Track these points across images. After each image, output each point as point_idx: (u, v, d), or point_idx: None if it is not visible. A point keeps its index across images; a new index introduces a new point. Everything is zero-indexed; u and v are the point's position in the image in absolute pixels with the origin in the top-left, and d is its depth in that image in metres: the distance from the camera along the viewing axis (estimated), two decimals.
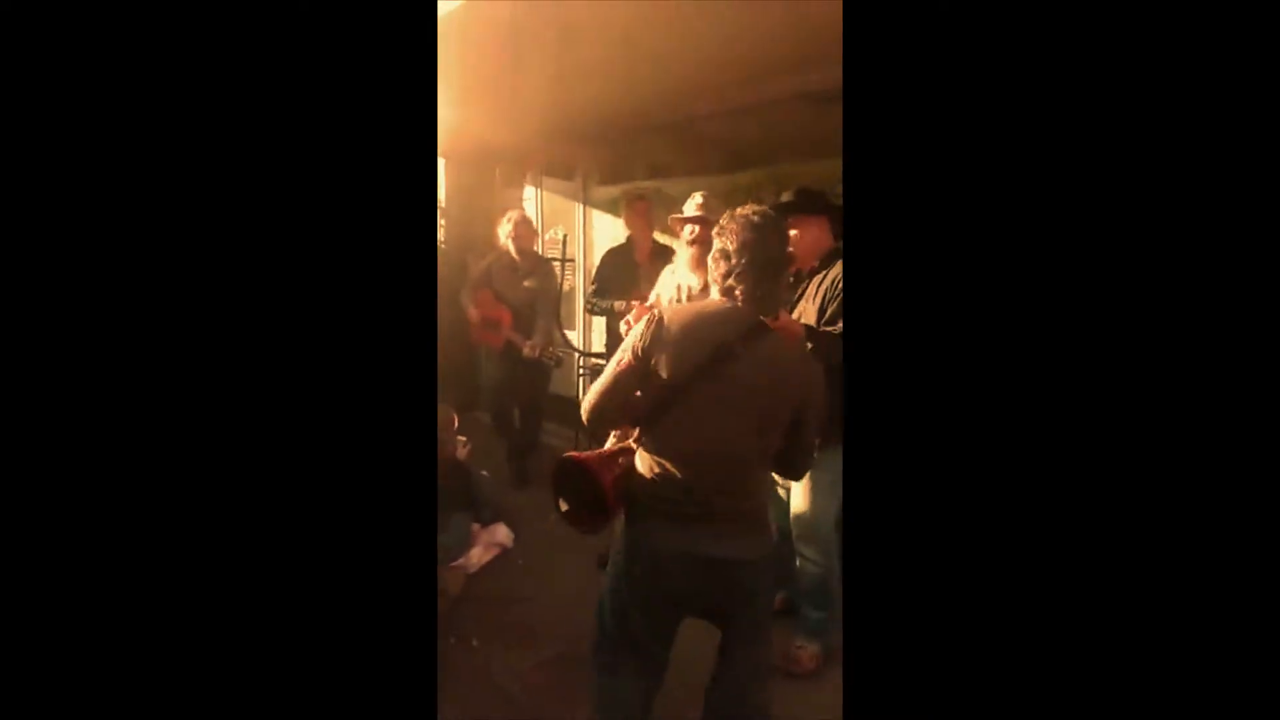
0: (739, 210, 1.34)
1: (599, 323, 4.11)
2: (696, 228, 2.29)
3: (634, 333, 1.32)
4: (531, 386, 3.52)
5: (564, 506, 1.42)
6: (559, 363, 3.50)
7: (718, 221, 2.34)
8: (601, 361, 3.74)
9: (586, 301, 3.26)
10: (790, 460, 1.37)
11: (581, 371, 3.92)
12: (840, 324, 1.76)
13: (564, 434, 4.01)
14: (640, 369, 1.28)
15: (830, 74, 2.45)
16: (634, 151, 3.63)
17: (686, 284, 2.38)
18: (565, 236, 4.23)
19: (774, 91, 2.64)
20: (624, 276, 3.05)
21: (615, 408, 1.34)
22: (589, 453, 1.39)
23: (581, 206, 4.33)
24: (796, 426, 1.31)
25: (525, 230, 3.41)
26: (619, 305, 2.97)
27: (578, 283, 4.28)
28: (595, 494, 1.33)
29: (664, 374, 1.26)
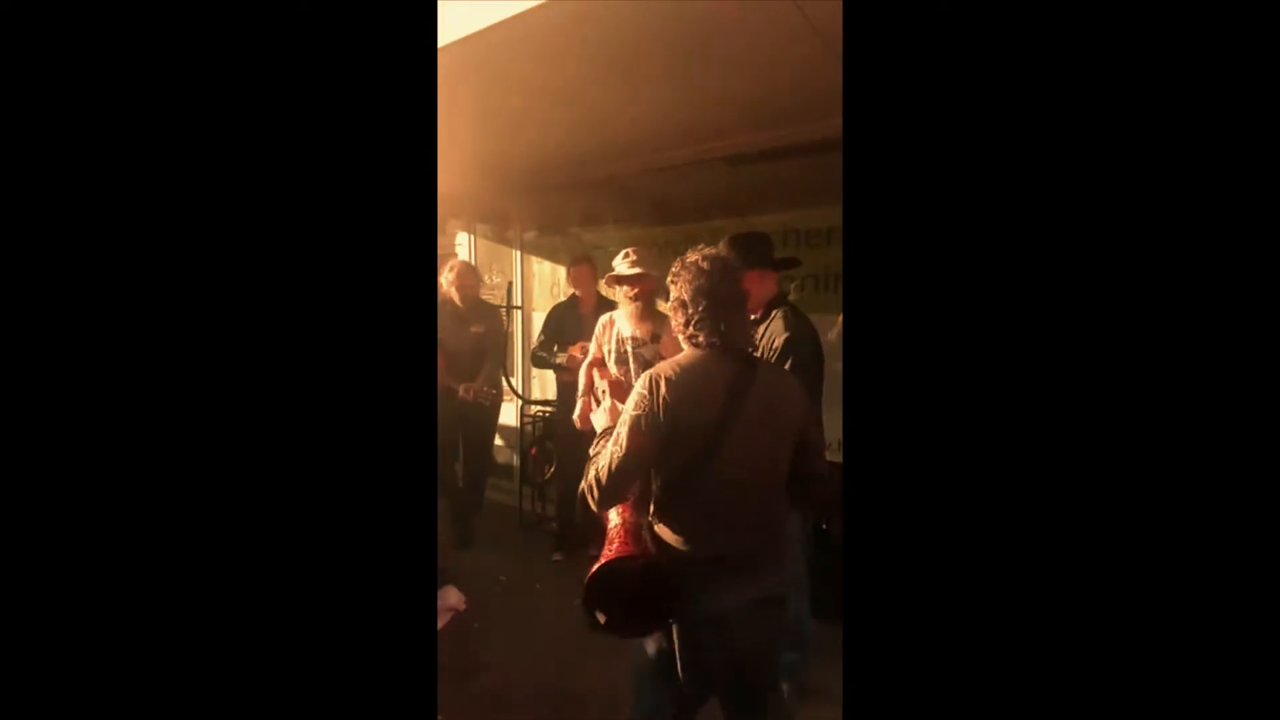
0: (688, 257, 1.33)
1: (539, 372, 4.11)
2: (636, 285, 2.37)
3: (633, 403, 1.25)
4: (476, 436, 3.47)
5: (603, 619, 1.29)
6: (495, 402, 3.47)
7: (656, 275, 2.39)
8: (546, 410, 3.75)
9: (533, 354, 3.28)
10: (807, 473, 1.36)
11: (526, 420, 3.90)
12: None
13: (508, 488, 3.95)
14: (656, 437, 1.23)
15: (749, 139, 2.63)
16: (567, 201, 3.69)
17: (629, 334, 2.44)
18: (510, 284, 4.23)
19: (699, 153, 2.77)
20: (571, 330, 3.11)
21: (630, 484, 1.27)
22: (620, 550, 1.26)
23: (518, 254, 4.35)
24: (804, 443, 1.33)
25: (469, 278, 3.40)
26: (562, 356, 3.01)
27: (516, 330, 4.27)
28: (653, 591, 1.24)
29: (683, 435, 1.22)
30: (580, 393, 2.52)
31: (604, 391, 2.46)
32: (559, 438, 3.41)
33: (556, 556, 3.25)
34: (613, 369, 2.48)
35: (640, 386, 1.26)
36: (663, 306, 2.42)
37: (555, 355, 3.06)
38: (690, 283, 1.30)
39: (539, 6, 1.66)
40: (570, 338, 3.04)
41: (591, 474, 1.27)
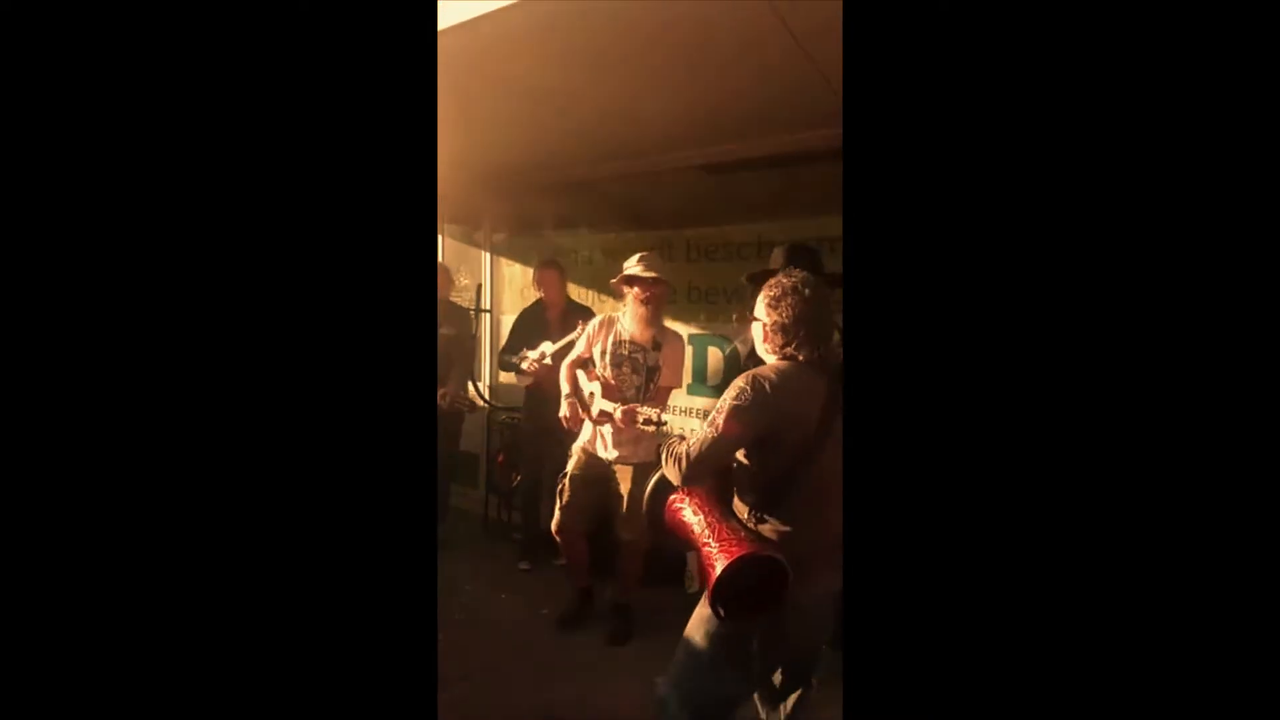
0: (784, 281, 1.40)
1: (507, 377, 4.04)
2: (649, 289, 2.35)
3: (733, 395, 1.33)
4: (443, 442, 3.38)
5: (723, 613, 1.36)
6: (472, 409, 3.40)
7: (669, 283, 2.40)
8: (513, 416, 3.68)
9: (499, 357, 3.22)
10: None
11: (493, 426, 3.82)
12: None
13: (473, 495, 3.87)
14: (750, 430, 1.32)
15: (728, 148, 2.62)
16: (540, 203, 3.63)
17: (629, 337, 2.39)
18: (479, 286, 4.15)
19: (676, 159, 2.76)
20: (536, 334, 3.06)
21: (716, 465, 1.38)
22: (742, 549, 1.33)
23: (488, 256, 4.27)
24: None
25: (440, 278, 3.32)
26: (525, 361, 2.96)
27: (485, 333, 4.19)
28: (774, 580, 1.32)
29: (781, 441, 1.33)
30: (565, 394, 2.44)
31: (592, 394, 2.40)
32: (525, 444, 3.34)
33: (523, 565, 3.19)
34: (605, 371, 2.41)
35: (741, 382, 1.34)
36: (668, 322, 2.38)
37: (520, 360, 3.01)
38: (793, 308, 1.37)
39: (516, 4, 1.62)
40: (535, 343, 2.99)
41: (681, 448, 1.37)
